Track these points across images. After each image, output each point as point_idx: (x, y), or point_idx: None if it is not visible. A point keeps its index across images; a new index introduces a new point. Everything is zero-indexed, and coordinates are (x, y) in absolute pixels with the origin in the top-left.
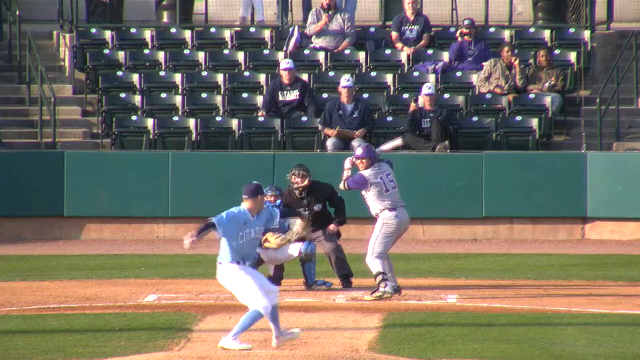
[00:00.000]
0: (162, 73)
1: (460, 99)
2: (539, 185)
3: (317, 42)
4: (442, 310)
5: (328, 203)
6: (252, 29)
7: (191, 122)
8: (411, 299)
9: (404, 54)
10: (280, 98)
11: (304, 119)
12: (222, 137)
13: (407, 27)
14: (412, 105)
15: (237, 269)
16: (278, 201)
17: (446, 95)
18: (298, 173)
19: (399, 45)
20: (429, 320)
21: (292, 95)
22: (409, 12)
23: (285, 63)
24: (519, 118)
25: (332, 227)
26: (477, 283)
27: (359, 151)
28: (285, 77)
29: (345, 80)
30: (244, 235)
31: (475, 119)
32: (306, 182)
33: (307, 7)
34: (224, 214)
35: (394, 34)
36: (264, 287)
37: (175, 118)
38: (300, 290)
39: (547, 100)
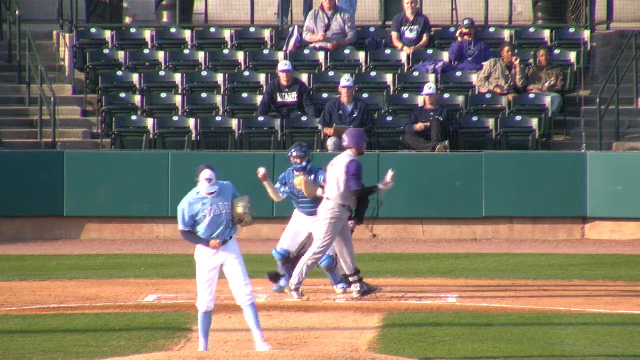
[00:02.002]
0: (162, 73)
1: (460, 99)
2: (539, 185)
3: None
4: (442, 310)
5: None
6: (252, 29)
7: (191, 122)
8: (411, 299)
9: (404, 54)
10: (279, 100)
11: (304, 119)
12: (222, 137)
13: (406, 27)
14: (419, 126)
15: (202, 261)
16: (304, 163)
17: (446, 95)
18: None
19: (398, 45)
20: (429, 320)
21: (291, 97)
22: (408, 12)
23: (283, 65)
24: (519, 118)
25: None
26: (477, 283)
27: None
28: (283, 79)
29: (346, 80)
30: (206, 215)
31: (475, 119)
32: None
33: (308, 7)
34: (180, 217)
35: (394, 34)
36: (211, 290)
37: (175, 118)
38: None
39: (547, 100)
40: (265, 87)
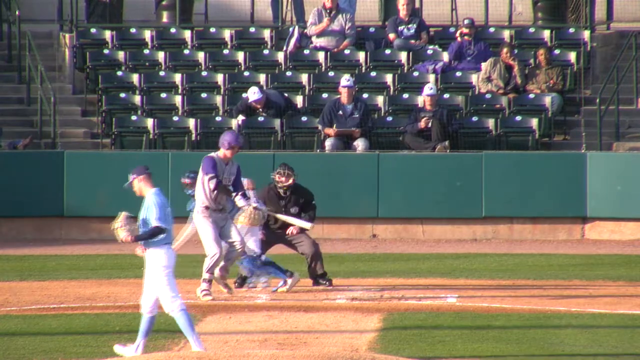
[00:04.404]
0: (162, 73)
1: (460, 99)
2: (539, 185)
3: (317, 42)
4: (442, 310)
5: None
6: (252, 29)
7: (191, 122)
8: (411, 299)
9: (404, 54)
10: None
11: (304, 118)
12: None
13: (403, 27)
14: (423, 122)
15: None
16: (291, 179)
17: (446, 95)
18: (283, 172)
19: (397, 42)
20: (429, 320)
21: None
22: (402, 12)
23: (252, 93)
24: (518, 118)
25: (294, 230)
26: (477, 283)
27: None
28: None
29: (346, 80)
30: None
31: (475, 119)
32: (290, 181)
33: (299, 7)
34: (159, 211)
35: (392, 36)
36: (175, 288)
37: (175, 118)
38: (300, 291)
39: (547, 100)
40: (265, 87)
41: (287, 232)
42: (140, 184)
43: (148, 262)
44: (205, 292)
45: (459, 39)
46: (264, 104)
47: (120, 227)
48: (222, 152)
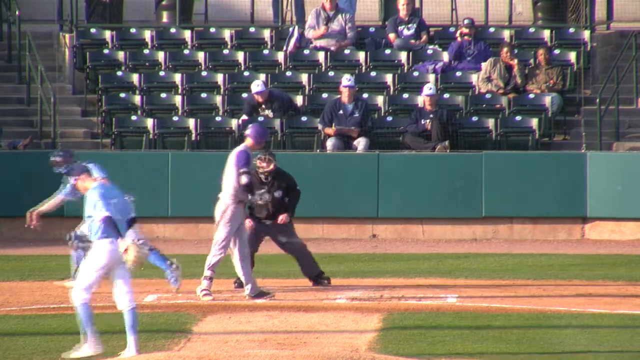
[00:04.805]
0: (162, 73)
1: (460, 99)
2: (539, 185)
3: (317, 42)
4: (442, 310)
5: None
6: (252, 29)
7: (191, 122)
8: (411, 299)
9: (404, 54)
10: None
11: (304, 118)
12: (222, 137)
13: (403, 27)
14: (429, 125)
15: (105, 252)
16: (272, 165)
17: (446, 95)
18: (264, 158)
19: (397, 42)
20: (429, 320)
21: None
22: (402, 12)
23: (256, 85)
24: (518, 118)
25: (284, 217)
26: (477, 283)
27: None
28: (259, 98)
29: (347, 80)
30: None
31: (475, 119)
32: (271, 166)
33: (300, 6)
34: (103, 201)
35: (392, 36)
36: (92, 285)
37: (175, 118)
38: (300, 290)
39: (547, 100)
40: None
41: (278, 220)
42: (83, 184)
43: (91, 253)
44: (205, 292)
45: (459, 39)
46: (267, 98)
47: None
48: (250, 145)
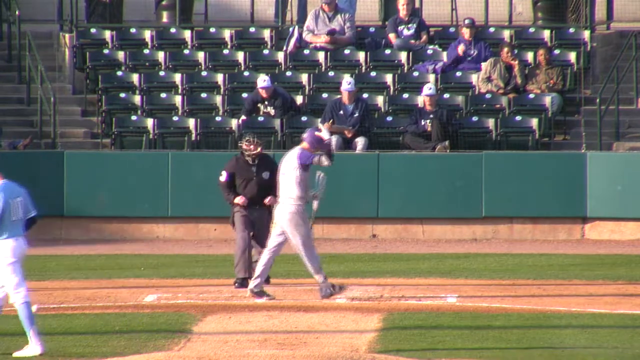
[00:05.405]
0: (162, 73)
1: (460, 99)
2: (539, 185)
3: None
4: (442, 310)
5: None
6: (252, 29)
7: (191, 122)
8: (411, 299)
9: (404, 54)
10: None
11: (304, 118)
12: (222, 137)
13: (403, 27)
14: (429, 126)
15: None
16: (259, 148)
17: (446, 95)
18: (252, 140)
19: (397, 42)
20: (429, 320)
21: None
22: (402, 12)
23: (262, 80)
24: (518, 118)
25: (271, 198)
26: (477, 283)
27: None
28: (264, 93)
29: (347, 83)
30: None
31: (475, 119)
32: (259, 149)
33: (302, 7)
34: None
35: (392, 36)
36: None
37: (175, 118)
38: (300, 290)
39: (547, 100)
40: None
41: (265, 201)
42: None
43: None
44: (331, 292)
45: (460, 53)
46: (271, 94)
47: None
48: (306, 149)
